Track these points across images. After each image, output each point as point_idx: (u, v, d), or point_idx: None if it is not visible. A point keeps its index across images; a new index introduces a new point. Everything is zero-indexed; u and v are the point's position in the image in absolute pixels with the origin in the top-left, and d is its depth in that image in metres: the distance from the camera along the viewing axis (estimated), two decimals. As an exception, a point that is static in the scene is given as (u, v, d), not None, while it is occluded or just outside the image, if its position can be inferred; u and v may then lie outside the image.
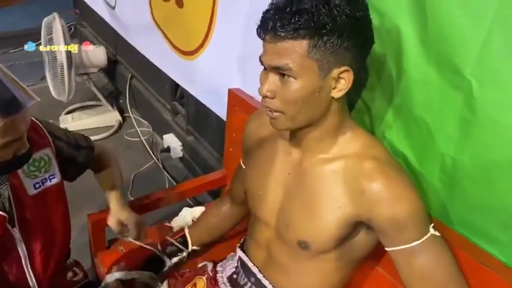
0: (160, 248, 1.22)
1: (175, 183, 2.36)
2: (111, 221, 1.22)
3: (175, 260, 1.21)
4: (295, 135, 0.91)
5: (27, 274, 1.08)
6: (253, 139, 1.05)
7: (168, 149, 2.41)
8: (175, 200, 1.57)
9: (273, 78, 0.80)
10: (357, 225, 0.88)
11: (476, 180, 0.86)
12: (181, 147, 2.37)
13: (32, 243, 1.08)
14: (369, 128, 1.07)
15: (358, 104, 1.09)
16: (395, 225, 0.82)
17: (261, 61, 0.81)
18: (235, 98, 1.46)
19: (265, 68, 0.82)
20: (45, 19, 2.61)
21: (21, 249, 1.06)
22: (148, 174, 2.58)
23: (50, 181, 1.09)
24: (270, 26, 0.76)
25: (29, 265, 1.08)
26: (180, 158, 2.44)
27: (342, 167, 0.86)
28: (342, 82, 0.80)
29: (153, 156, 2.65)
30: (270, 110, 0.83)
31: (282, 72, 0.78)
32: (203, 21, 1.69)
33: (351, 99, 1.10)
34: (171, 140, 2.42)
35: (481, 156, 0.83)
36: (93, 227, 1.35)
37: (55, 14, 2.55)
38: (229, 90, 1.49)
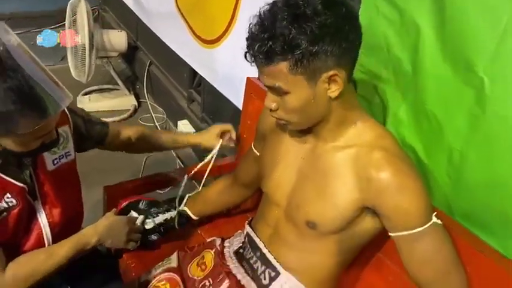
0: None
1: (185, 170, 2.41)
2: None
3: (160, 218, 1.26)
4: (307, 128, 0.96)
5: (45, 243, 1.12)
6: (268, 125, 1.10)
7: (181, 135, 2.46)
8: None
9: (272, 94, 0.88)
10: (363, 210, 0.92)
11: (480, 175, 0.90)
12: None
13: (52, 214, 1.13)
14: (381, 122, 1.11)
15: (372, 98, 1.13)
16: (399, 213, 0.86)
17: None
18: (253, 86, 1.51)
19: None
20: (71, 1, 2.68)
21: (42, 221, 1.11)
22: (159, 160, 2.63)
23: (66, 158, 1.14)
24: (251, 54, 0.84)
25: (49, 235, 1.12)
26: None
27: (352, 155, 0.90)
28: (334, 83, 0.84)
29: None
30: (278, 119, 0.91)
31: (276, 89, 0.85)
32: (226, 11, 1.74)
33: (365, 93, 1.14)
34: (185, 127, 2.47)
35: (486, 151, 0.87)
36: (109, 200, 1.41)
37: (81, -4, 2.61)
38: (247, 78, 1.53)
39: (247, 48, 0.84)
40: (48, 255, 1.04)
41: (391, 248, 1.04)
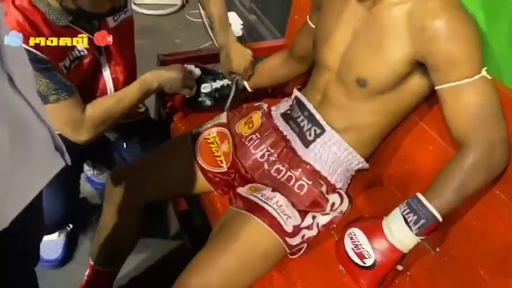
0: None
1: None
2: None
3: (217, 83, 1.34)
4: None
5: (108, 93, 1.23)
6: None
7: (228, 27, 2.46)
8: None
9: None
10: (414, 67, 0.93)
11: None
12: (241, 27, 2.41)
13: (115, 70, 1.22)
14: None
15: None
16: (450, 61, 0.87)
17: None
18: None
19: None
20: None
21: (106, 76, 1.21)
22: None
23: (125, 14, 1.20)
24: None
25: (112, 90, 1.23)
26: (239, 38, 2.50)
27: (408, 9, 0.91)
28: None
29: (212, 37, 2.71)
30: None
31: None
32: None
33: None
34: (232, 18, 2.45)
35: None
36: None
37: None
38: (304, -47, 1.49)
39: None
40: (117, 100, 1.14)
41: (433, 117, 1.07)
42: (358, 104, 1.02)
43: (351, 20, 1.01)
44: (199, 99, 1.35)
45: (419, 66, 0.93)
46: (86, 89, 1.18)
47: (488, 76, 0.87)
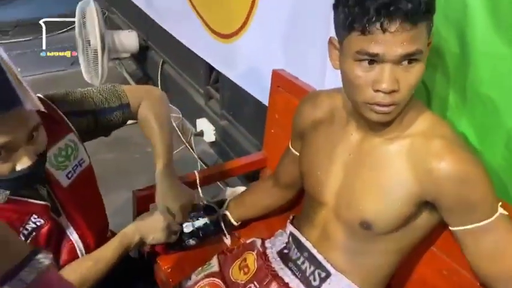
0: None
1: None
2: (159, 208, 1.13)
3: (200, 222, 1.22)
4: (358, 117, 0.89)
5: (79, 255, 1.06)
6: (307, 121, 1.03)
7: (201, 133, 2.41)
8: (212, 180, 1.58)
9: (394, 69, 0.74)
10: (421, 205, 0.86)
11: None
12: (214, 132, 2.37)
13: (80, 228, 1.06)
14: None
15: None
16: (465, 205, 0.80)
17: (370, 56, 0.74)
18: (280, 79, 1.45)
19: (370, 62, 0.75)
20: (80, 3, 2.64)
21: (73, 237, 1.04)
22: (179, 159, 2.58)
23: (81, 166, 1.06)
24: (397, 13, 0.69)
25: (82, 248, 1.06)
26: (213, 143, 2.44)
27: (407, 147, 0.84)
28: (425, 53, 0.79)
29: (184, 142, 2.65)
30: (385, 106, 0.77)
31: (411, 59, 0.74)
32: (244, 3, 1.69)
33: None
34: (204, 125, 2.42)
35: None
36: (139, 204, 1.36)
37: (90, -1, 2.57)
38: (273, 71, 1.48)
39: (380, 8, 0.69)
40: (95, 261, 1.01)
41: (444, 241, 0.99)
42: (363, 246, 0.93)
43: (341, 153, 0.94)
44: (182, 238, 1.23)
45: (427, 203, 0.86)
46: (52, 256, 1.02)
47: (505, 212, 0.82)
